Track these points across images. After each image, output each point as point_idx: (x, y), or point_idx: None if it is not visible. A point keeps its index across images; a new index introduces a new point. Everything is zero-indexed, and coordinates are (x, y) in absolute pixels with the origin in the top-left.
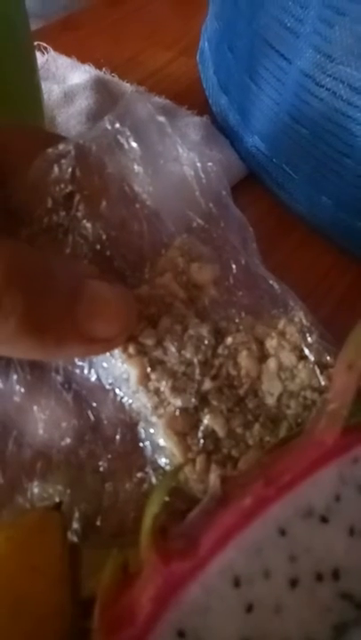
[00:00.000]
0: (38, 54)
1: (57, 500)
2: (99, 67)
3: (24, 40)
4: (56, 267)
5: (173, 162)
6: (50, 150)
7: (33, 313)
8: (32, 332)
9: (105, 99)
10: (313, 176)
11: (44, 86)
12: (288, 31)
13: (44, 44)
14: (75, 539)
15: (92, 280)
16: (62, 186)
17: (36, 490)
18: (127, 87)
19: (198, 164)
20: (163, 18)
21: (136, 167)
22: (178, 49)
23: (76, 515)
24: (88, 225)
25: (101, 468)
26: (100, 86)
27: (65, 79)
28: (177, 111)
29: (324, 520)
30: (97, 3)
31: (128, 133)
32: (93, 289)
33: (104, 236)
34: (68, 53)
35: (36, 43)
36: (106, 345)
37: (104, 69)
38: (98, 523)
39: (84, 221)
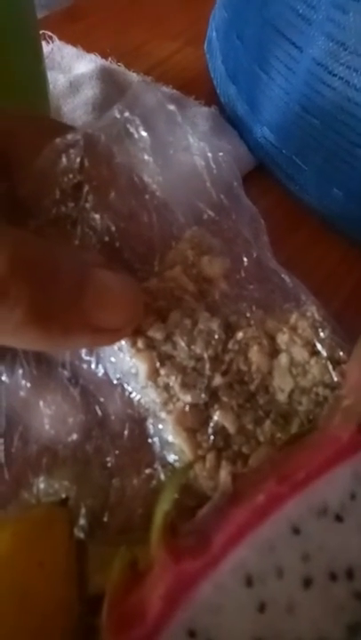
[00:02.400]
0: (43, 44)
1: (63, 495)
2: (105, 56)
3: (31, 28)
4: (62, 256)
5: (184, 152)
6: (58, 140)
7: (39, 303)
8: (38, 323)
9: (111, 88)
10: (323, 167)
11: (50, 76)
12: (300, 18)
13: (50, 34)
14: (81, 535)
15: (99, 269)
16: (70, 176)
17: (42, 485)
18: (133, 77)
19: (209, 154)
20: (169, 7)
21: (146, 157)
22: (184, 38)
23: (83, 510)
24: (96, 216)
25: (109, 464)
26: (105, 76)
27: (70, 69)
28: (184, 101)
29: (338, 519)
30: None
31: (138, 122)
32: (100, 278)
33: (113, 228)
34: (73, 43)
35: (41, 32)
36: (113, 335)
37: (110, 59)
38: (105, 519)
39: (93, 212)
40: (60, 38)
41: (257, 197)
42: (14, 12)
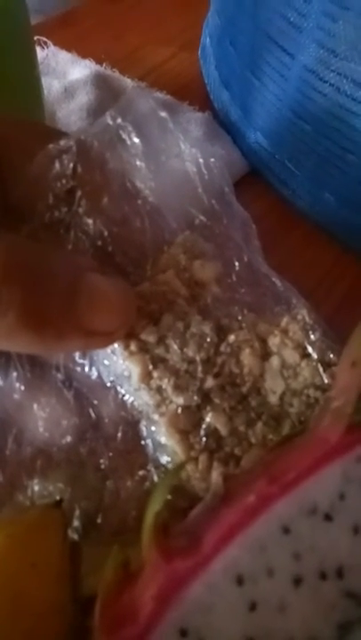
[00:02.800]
0: (38, 49)
1: (57, 497)
2: (99, 62)
3: (25, 34)
4: (55, 260)
5: (176, 158)
6: (51, 146)
7: (32, 307)
8: (31, 326)
9: (105, 94)
10: (316, 172)
11: (45, 81)
12: (291, 26)
13: (44, 39)
14: (75, 536)
15: (91, 273)
16: (64, 181)
17: (36, 487)
18: (128, 82)
19: (201, 160)
20: (164, 13)
21: (138, 163)
22: (179, 44)
23: (77, 512)
24: (89, 221)
25: (102, 466)
26: (100, 81)
27: (65, 74)
28: (178, 107)
29: (328, 518)
30: None
31: (130, 129)
32: (92, 282)
33: (105, 233)
34: (68, 48)
35: (35, 38)
36: (106, 338)
37: (105, 64)
38: (99, 520)
39: (86, 217)
40: (55, 44)
41: (250, 202)
42: (7, 19)
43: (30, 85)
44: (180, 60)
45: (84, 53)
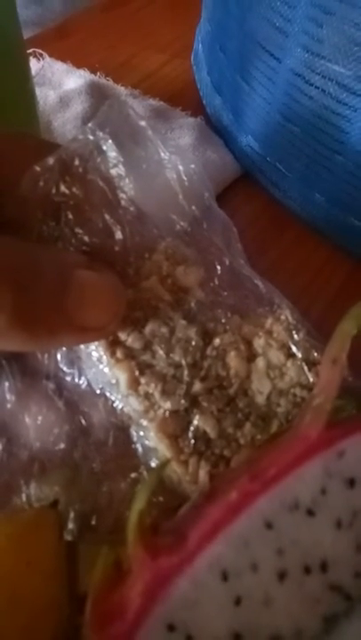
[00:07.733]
0: (34, 61)
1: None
2: (94, 71)
3: (16, 47)
4: (43, 258)
5: (156, 166)
6: (35, 167)
7: (22, 307)
8: (23, 326)
9: (100, 102)
10: (306, 174)
11: (41, 92)
12: (277, 31)
13: (40, 51)
14: (69, 538)
15: (80, 270)
16: (49, 199)
17: (32, 491)
18: (122, 90)
19: (181, 167)
20: (157, 22)
21: (119, 172)
22: (172, 51)
23: (72, 515)
24: (75, 233)
25: (96, 470)
26: (95, 90)
27: (60, 84)
28: (171, 113)
29: (310, 513)
30: (91, 8)
31: (109, 140)
32: (81, 278)
33: (90, 243)
34: (63, 59)
35: (31, 49)
36: (98, 332)
37: (99, 74)
38: (93, 522)
39: (71, 230)
40: (51, 55)
41: (243, 204)
42: None
43: (24, 99)
44: (173, 67)
45: (78, 63)
